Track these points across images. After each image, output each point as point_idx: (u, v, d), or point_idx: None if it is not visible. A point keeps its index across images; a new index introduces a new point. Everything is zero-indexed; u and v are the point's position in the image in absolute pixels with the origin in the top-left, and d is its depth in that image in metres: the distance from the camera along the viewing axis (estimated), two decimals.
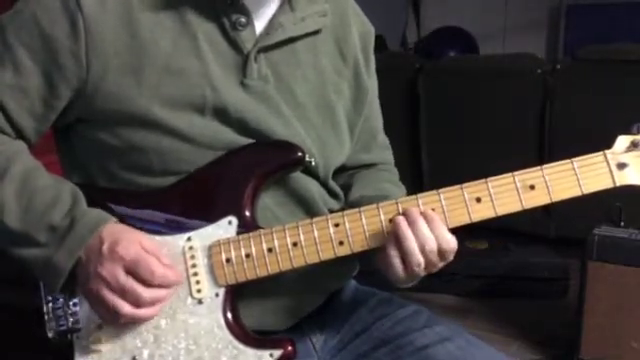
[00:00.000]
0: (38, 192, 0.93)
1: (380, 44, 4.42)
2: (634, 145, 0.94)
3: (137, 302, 0.89)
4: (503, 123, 3.29)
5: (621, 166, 0.94)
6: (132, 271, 0.89)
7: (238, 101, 0.96)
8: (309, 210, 1.02)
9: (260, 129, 0.97)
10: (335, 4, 1.08)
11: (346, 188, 1.12)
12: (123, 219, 0.95)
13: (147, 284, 0.89)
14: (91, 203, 0.94)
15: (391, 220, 0.92)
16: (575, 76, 3.12)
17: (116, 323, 0.92)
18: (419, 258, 0.91)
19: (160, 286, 0.90)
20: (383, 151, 1.21)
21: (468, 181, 0.93)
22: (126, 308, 0.89)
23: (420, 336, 1.02)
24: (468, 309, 2.70)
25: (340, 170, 1.13)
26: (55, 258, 0.90)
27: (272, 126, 0.98)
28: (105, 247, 0.89)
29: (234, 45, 0.97)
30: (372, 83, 1.14)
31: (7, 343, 1.00)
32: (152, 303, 0.90)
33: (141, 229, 0.94)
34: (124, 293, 0.89)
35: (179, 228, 0.95)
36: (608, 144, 0.96)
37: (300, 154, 0.97)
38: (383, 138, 1.22)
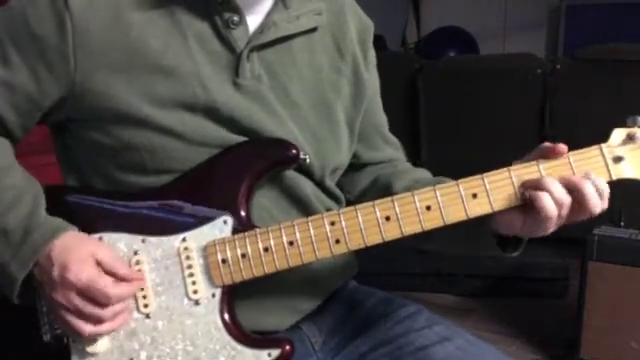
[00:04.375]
0: (1, 192, 0.92)
1: (380, 44, 4.44)
2: (630, 138, 0.92)
3: (98, 321, 0.89)
4: (503, 123, 3.29)
5: (617, 159, 0.91)
6: (87, 296, 0.88)
7: (230, 100, 0.96)
8: (305, 209, 1.01)
9: (252, 128, 0.97)
10: (331, 2, 1.07)
11: (382, 187, 1.10)
12: (118, 219, 0.94)
13: (105, 305, 0.89)
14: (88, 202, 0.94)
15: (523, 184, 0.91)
16: (575, 76, 3.12)
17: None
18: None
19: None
20: (394, 149, 1.20)
21: None
22: (88, 328, 0.89)
23: (420, 336, 1.01)
24: (468, 309, 2.70)
25: (351, 170, 1.13)
26: (10, 267, 0.90)
27: (265, 125, 0.97)
28: (55, 273, 0.88)
29: (226, 44, 0.96)
30: (373, 79, 1.13)
31: (7, 344, 0.99)
32: (114, 317, 0.90)
33: (135, 230, 0.94)
34: (83, 316, 0.89)
35: (174, 228, 0.94)
36: None
37: (294, 151, 0.96)
38: (392, 137, 1.21)
